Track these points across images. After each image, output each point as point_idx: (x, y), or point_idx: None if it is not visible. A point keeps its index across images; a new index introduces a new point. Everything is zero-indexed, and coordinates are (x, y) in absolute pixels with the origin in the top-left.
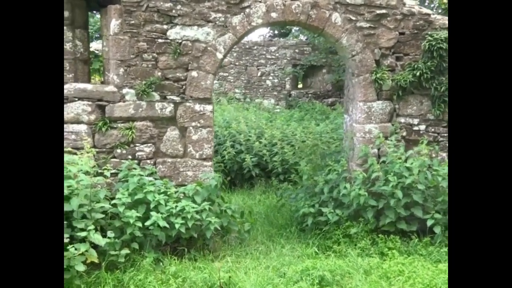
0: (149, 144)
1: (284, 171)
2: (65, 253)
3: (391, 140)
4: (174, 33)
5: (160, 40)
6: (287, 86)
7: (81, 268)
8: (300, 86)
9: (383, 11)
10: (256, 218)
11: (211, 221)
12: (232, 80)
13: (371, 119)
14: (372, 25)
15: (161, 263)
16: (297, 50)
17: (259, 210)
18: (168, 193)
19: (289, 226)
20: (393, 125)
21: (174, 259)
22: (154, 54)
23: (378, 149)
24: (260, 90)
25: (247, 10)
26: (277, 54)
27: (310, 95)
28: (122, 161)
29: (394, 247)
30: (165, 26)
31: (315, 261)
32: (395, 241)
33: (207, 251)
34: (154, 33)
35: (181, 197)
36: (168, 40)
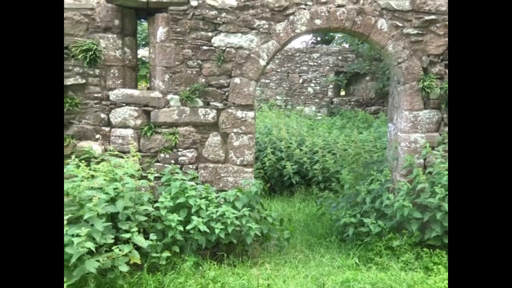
0: (191, 149)
1: (324, 179)
2: (109, 254)
3: (438, 151)
4: (219, 40)
5: (204, 47)
6: (329, 93)
7: (124, 268)
8: (342, 93)
9: (432, 17)
10: (296, 226)
11: (251, 227)
12: (273, 87)
13: (417, 128)
14: (420, 32)
15: (200, 267)
16: (340, 57)
17: (299, 218)
18: (209, 198)
19: (329, 235)
20: (440, 135)
21: (214, 264)
22: (199, 61)
23: (424, 160)
24: (302, 97)
25: (291, 17)
26: (319, 61)
27: (352, 102)
28: (165, 165)
29: (440, 262)
30: (209, 34)
31: (355, 273)
32: (441, 255)
33: (246, 257)
34: (199, 41)
35: (222, 202)
36: (213, 47)
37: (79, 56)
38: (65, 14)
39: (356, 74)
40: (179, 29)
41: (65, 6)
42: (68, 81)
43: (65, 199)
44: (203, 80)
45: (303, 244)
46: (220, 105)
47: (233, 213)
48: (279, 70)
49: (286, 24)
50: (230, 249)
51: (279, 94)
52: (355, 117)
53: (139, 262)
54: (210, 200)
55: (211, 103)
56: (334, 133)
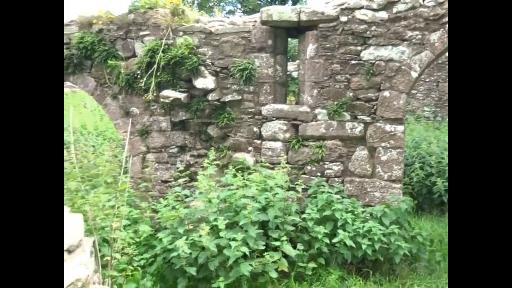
0: (337, 163)
1: None
2: (261, 259)
3: None
4: (368, 53)
5: (353, 62)
6: None
7: (274, 275)
8: None
9: None
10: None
11: (400, 246)
12: (421, 98)
13: None
14: None
15: (345, 282)
16: None
17: None
18: (355, 212)
19: None
20: None
21: (359, 280)
22: (347, 75)
23: None
24: None
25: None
26: None
27: None
28: (312, 177)
29: None
30: (358, 48)
31: None
32: None
33: (393, 276)
34: (348, 55)
35: (368, 217)
36: (361, 61)
37: (237, 75)
38: (225, 38)
39: None
40: (328, 45)
41: (225, 30)
42: (227, 98)
43: (223, 205)
44: (351, 94)
45: None
46: (367, 118)
47: (380, 230)
48: (427, 80)
49: (442, 33)
50: (376, 267)
51: (427, 105)
52: None
53: (286, 270)
54: (356, 215)
55: (358, 117)
56: None
